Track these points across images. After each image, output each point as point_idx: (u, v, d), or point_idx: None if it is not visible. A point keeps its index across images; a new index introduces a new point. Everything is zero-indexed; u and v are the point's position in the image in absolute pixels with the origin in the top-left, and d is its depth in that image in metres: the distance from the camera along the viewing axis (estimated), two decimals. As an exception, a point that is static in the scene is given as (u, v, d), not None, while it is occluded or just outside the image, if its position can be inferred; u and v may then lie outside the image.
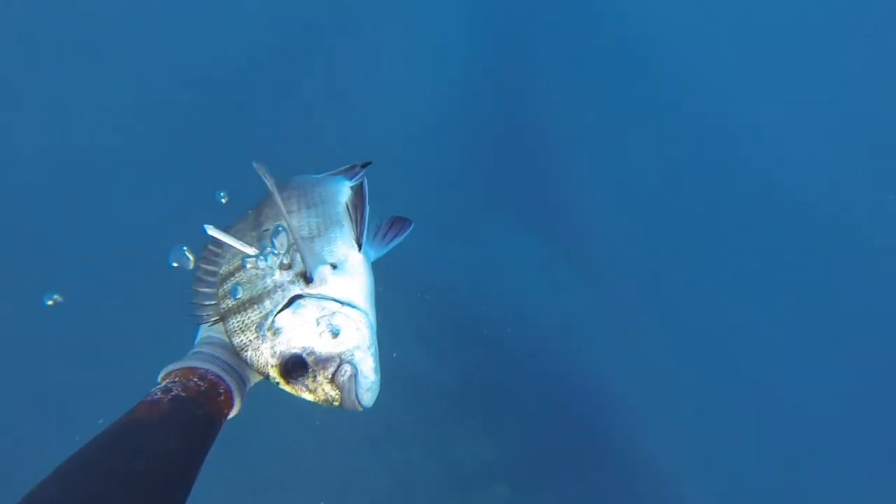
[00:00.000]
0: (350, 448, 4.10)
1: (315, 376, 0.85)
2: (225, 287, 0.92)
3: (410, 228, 1.01)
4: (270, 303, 0.88)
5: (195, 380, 0.84)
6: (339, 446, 4.10)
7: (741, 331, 5.69)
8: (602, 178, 6.13)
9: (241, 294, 0.90)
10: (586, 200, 5.84)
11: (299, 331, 0.86)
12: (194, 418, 0.81)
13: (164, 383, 0.83)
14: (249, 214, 0.99)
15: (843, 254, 6.88)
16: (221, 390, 0.86)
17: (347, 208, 1.00)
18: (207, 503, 3.73)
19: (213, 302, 0.93)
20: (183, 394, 0.81)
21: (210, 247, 0.95)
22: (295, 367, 0.85)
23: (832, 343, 6.01)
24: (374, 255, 0.97)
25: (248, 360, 0.89)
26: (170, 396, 0.80)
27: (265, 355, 0.87)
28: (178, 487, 0.75)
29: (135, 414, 0.78)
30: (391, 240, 1.00)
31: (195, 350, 0.91)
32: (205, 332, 0.95)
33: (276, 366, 0.87)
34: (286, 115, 5.24)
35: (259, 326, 0.88)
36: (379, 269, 0.92)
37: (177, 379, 0.83)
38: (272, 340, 0.87)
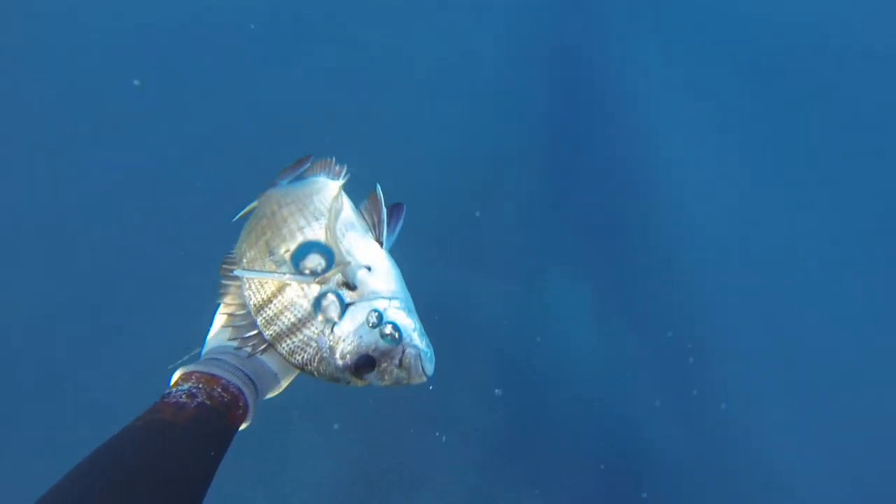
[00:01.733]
0: (384, 486, 4.01)
1: (385, 367, 0.94)
2: (266, 314, 0.98)
3: (405, 210, 1.09)
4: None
5: (219, 390, 0.86)
6: (373, 483, 4.01)
7: (802, 393, 5.42)
8: (664, 233, 6.00)
9: (290, 317, 0.97)
10: (645, 253, 5.72)
11: (360, 333, 0.94)
12: (216, 429, 0.83)
13: (186, 386, 0.84)
14: (247, 244, 1.07)
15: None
16: (241, 404, 0.89)
17: (360, 211, 1.09)
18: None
19: (254, 332, 0.98)
20: (208, 402, 0.83)
21: (224, 282, 1.03)
22: (365, 366, 0.93)
23: None
24: (387, 244, 1.06)
25: (315, 373, 0.97)
26: (195, 403, 0.82)
27: (333, 365, 0.95)
28: (198, 495, 0.76)
29: (159, 414, 0.79)
30: (395, 226, 1.08)
31: (214, 356, 0.94)
32: (215, 335, 1.01)
33: (347, 369, 0.94)
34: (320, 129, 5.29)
35: (319, 341, 0.95)
36: (429, 310, 1.03)
37: (200, 385, 0.85)
38: (337, 350, 0.94)
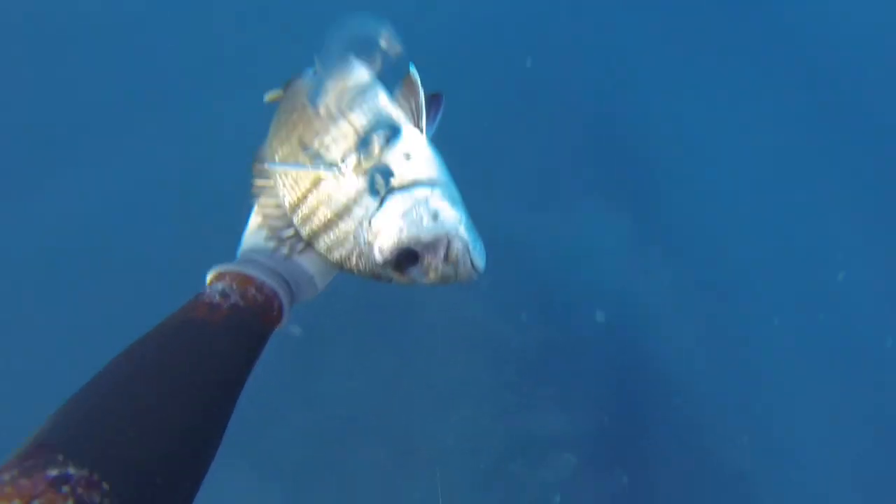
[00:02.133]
0: (418, 403, 4.15)
1: (429, 261, 0.88)
2: (302, 211, 0.93)
3: (443, 100, 1.03)
4: (361, 209, 0.90)
5: (253, 291, 0.83)
6: (407, 399, 4.15)
7: (853, 327, 5.33)
8: (706, 160, 5.83)
9: (326, 212, 0.92)
10: (686, 184, 5.59)
11: (399, 225, 0.88)
12: (251, 330, 0.81)
13: (220, 286, 0.83)
14: (277, 141, 1.00)
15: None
16: (275, 306, 0.86)
17: (395, 97, 1.01)
18: (272, 444, 3.85)
19: (292, 232, 0.94)
20: (242, 303, 0.81)
21: (258, 181, 0.98)
22: (407, 259, 0.88)
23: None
24: (428, 132, 0.99)
25: (355, 270, 0.92)
26: (229, 303, 0.80)
27: (373, 260, 0.90)
28: (233, 396, 0.75)
29: (192, 313, 0.78)
30: (434, 116, 1.01)
31: (248, 258, 0.91)
32: (249, 239, 0.97)
33: (387, 264, 0.89)
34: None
35: (357, 235, 0.90)
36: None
37: (234, 285, 0.83)
38: (376, 244, 0.89)
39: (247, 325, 0.81)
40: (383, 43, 1.05)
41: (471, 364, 4.20)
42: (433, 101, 1.04)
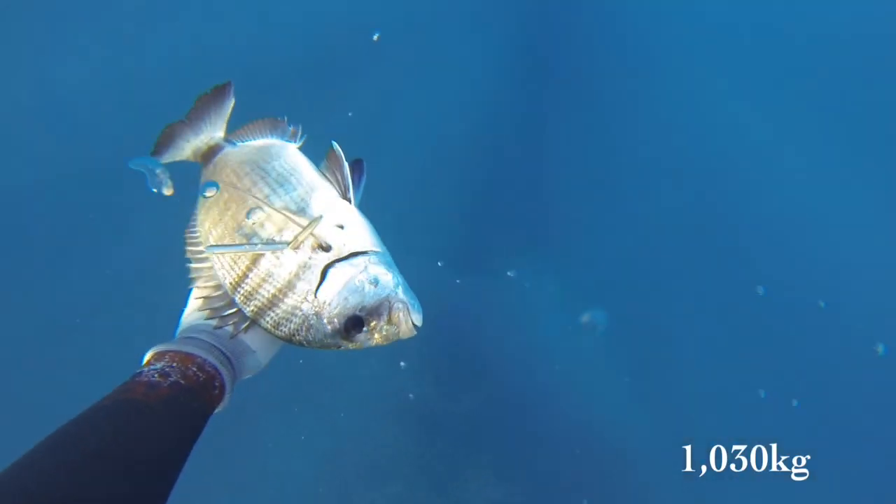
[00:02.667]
0: (351, 478, 4.03)
1: (374, 324, 0.93)
2: (244, 290, 0.96)
3: (365, 164, 1.12)
4: (305, 283, 0.94)
5: (194, 369, 0.83)
6: (340, 476, 4.03)
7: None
8: (627, 229, 6.05)
9: (269, 289, 0.95)
10: (609, 249, 5.77)
11: (344, 294, 0.93)
12: (191, 410, 0.80)
13: (159, 365, 0.82)
14: (210, 222, 1.04)
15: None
16: (217, 384, 0.86)
17: (321, 171, 1.09)
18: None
19: (233, 310, 0.97)
20: (182, 382, 0.80)
21: (195, 266, 1.00)
22: (355, 326, 0.92)
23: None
24: (355, 200, 1.06)
25: (304, 342, 0.95)
26: (168, 382, 0.79)
27: (322, 331, 0.93)
28: (166, 477, 0.73)
29: (130, 394, 0.76)
30: (359, 182, 1.09)
31: (189, 335, 0.91)
32: (188, 319, 0.98)
33: (337, 333, 0.93)
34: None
35: (303, 308, 0.94)
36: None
37: (175, 364, 0.83)
38: (324, 315, 0.93)
39: (187, 404, 0.79)
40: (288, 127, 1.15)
41: (402, 436, 4.12)
42: (356, 167, 1.12)
